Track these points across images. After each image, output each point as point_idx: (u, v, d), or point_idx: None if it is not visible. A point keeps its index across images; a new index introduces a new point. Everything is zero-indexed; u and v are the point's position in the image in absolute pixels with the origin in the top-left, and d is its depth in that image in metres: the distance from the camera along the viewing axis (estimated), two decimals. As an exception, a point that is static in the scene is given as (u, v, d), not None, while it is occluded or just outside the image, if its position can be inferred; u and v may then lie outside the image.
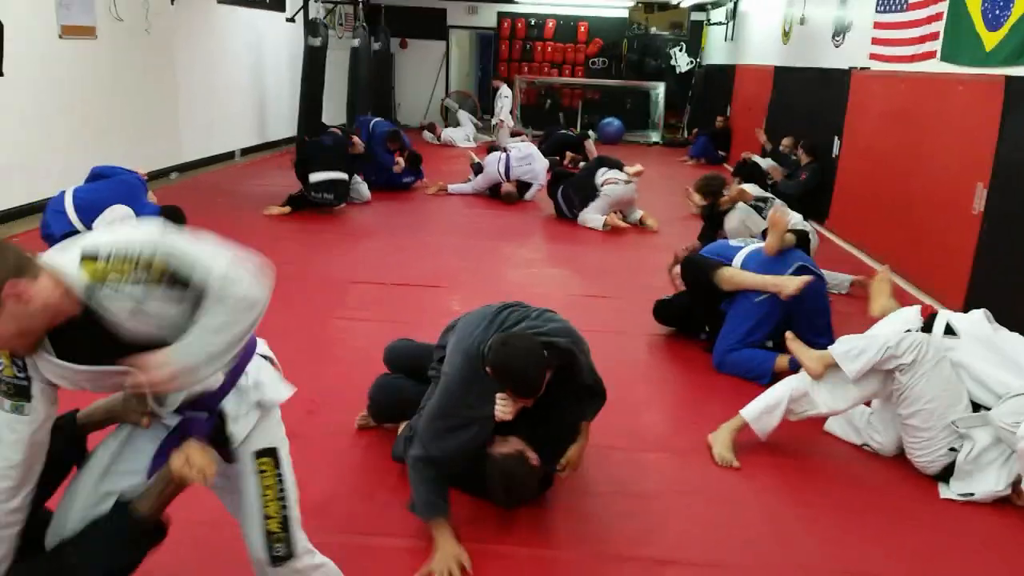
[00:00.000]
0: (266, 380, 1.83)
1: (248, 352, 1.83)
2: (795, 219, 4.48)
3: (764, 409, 3.10)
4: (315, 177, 6.90)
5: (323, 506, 2.62)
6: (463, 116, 13.71)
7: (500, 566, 2.42)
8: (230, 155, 10.02)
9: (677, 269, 4.52)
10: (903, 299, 5.25)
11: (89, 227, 4.60)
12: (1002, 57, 4.59)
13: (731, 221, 5.20)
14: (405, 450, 2.68)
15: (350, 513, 2.61)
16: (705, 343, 4.14)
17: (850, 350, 2.93)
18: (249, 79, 10.51)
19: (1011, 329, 3.15)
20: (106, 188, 4.93)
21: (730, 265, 3.91)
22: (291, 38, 11.41)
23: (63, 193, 4.82)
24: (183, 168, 8.75)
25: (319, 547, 1.96)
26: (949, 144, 5.20)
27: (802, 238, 4.09)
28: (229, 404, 1.80)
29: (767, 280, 3.74)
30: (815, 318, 3.84)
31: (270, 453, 1.83)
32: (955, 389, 2.90)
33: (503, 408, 2.45)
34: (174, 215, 5.01)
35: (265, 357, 1.89)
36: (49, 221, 4.73)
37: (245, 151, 10.42)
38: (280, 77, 11.28)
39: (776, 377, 3.66)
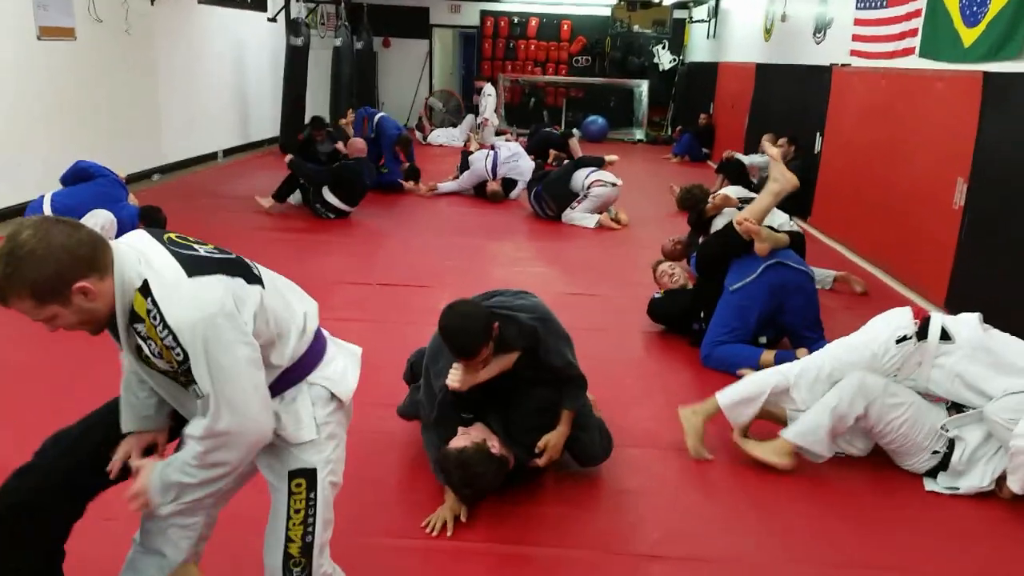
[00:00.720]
0: (301, 414, 1.76)
1: (286, 382, 1.76)
2: (781, 219, 4.49)
3: (742, 399, 3.06)
4: (332, 200, 6.90)
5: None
6: (468, 118, 13.54)
7: (485, 563, 2.43)
8: (213, 156, 9.96)
9: (663, 267, 4.53)
10: (888, 295, 5.30)
11: None
12: (980, 53, 4.63)
13: (717, 226, 5.21)
14: (408, 408, 3.04)
15: (338, 514, 2.60)
16: (692, 337, 4.16)
17: (805, 432, 2.90)
18: (231, 79, 10.45)
19: (993, 321, 3.15)
20: (85, 192, 4.90)
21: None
22: (273, 38, 11.36)
23: (42, 198, 4.79)
24: (165, 169, 8.70)
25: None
26: (929, 139, 5.25)
27: (796, 239, 4.09)
28: None
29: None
30: (804, 312, 3.89)
31: (306, 475, 1.76)
32: (917, 402, 2.91)
33: (453, 375, 2.54)
34: (153, 216, 4.99)
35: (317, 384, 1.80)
36: None
37: (228, 152, 10.36)
38: (262, 77, 11.22)
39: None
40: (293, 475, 1.76)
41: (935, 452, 2.89)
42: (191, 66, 9.26)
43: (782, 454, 2.95)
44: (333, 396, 1.80)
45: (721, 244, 3.98)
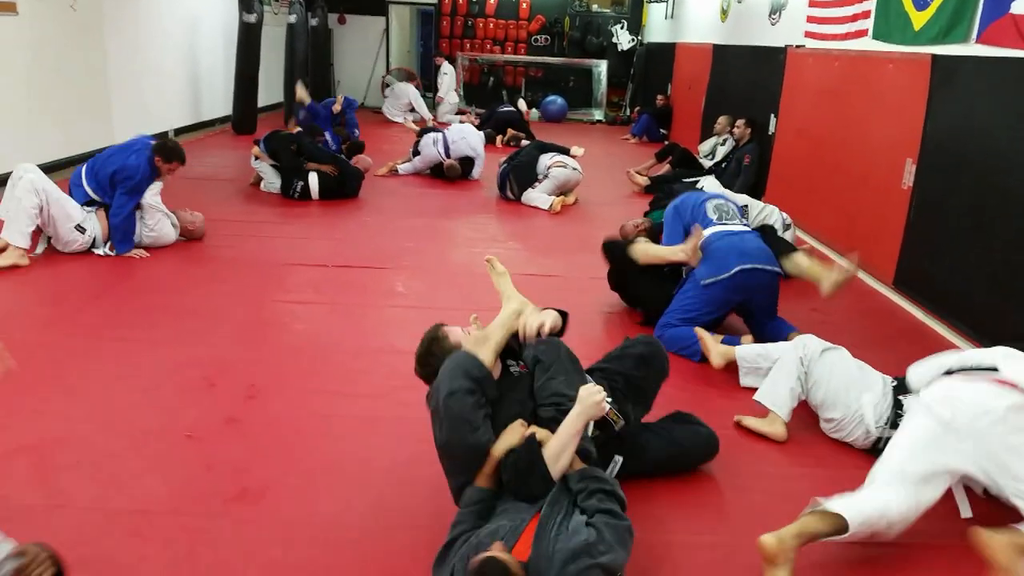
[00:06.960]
0: None
1: None
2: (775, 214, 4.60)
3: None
4: (313, 186, 6.88)
5: (264, 493, 2.59)
6: (416, 100, 13.35)
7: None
8: (163, 135, 9.73)
9: (628, 225, 4.63)
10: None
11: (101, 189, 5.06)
12: (930, 36, 4.71)
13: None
14: None
15: (291, 499, 2.59)
16: (644, 317, 4.30)
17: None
18: (182, 57, 10.19)
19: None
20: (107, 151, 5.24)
21: (688, 233, 4.02)
22: (225, 15, 11.11)
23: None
24: (115, 149, 8.47)
25: (257, 536, 1.90)
26: (880, 120, 5.34)
27: (767, 233, 4.18)
28: None
29: (676, 251, 3.98)
30: (767, 305, 4.00)
31: None
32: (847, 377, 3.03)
33: None
34: (165, 148, 5.28)
35: None
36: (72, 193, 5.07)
37: (179, 131, 10.14)
38: (215, 55, 10.97)
39: (705, 356, 3.77)
40: None
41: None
42: (141, 43, 9.00)
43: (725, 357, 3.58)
44: None
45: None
